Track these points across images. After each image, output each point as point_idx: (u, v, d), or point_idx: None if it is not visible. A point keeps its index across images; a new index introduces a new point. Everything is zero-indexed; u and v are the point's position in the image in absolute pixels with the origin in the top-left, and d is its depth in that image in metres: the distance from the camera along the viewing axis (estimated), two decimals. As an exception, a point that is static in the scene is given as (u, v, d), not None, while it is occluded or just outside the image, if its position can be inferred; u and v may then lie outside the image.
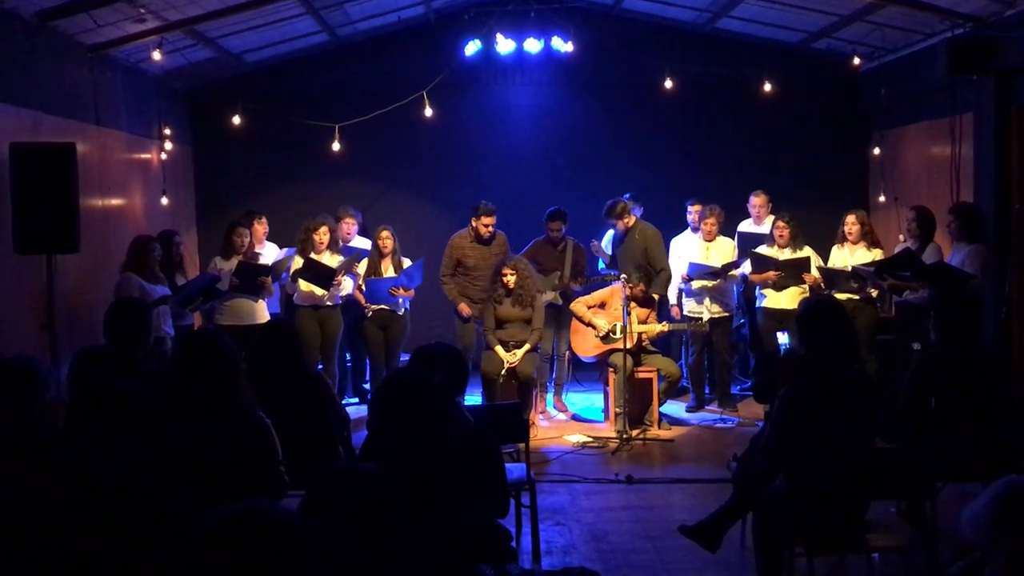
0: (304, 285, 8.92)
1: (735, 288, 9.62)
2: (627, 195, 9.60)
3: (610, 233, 9.72)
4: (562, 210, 9.34)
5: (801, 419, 4.75)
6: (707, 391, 9.71)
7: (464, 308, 9.15)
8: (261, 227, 9.33)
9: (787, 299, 8.97)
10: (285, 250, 9.32)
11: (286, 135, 11.02)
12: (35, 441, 3.76)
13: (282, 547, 2.03)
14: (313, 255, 8.96)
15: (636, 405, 8.77)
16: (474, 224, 9.17)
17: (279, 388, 5.44)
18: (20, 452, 3.65)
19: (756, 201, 9.91)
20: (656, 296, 9.11)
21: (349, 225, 9.71)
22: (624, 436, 8.28)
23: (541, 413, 9.25)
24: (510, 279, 8.62)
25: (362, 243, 9.77)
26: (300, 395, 5.60)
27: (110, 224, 8.64)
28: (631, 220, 9.25)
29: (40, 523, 3.06)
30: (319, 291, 8.90)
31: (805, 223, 9.59)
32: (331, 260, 9.00)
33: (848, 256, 8.97)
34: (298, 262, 8.94)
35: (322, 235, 9.00)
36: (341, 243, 9.47)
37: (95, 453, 3.35)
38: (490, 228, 9.14)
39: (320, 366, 8.86)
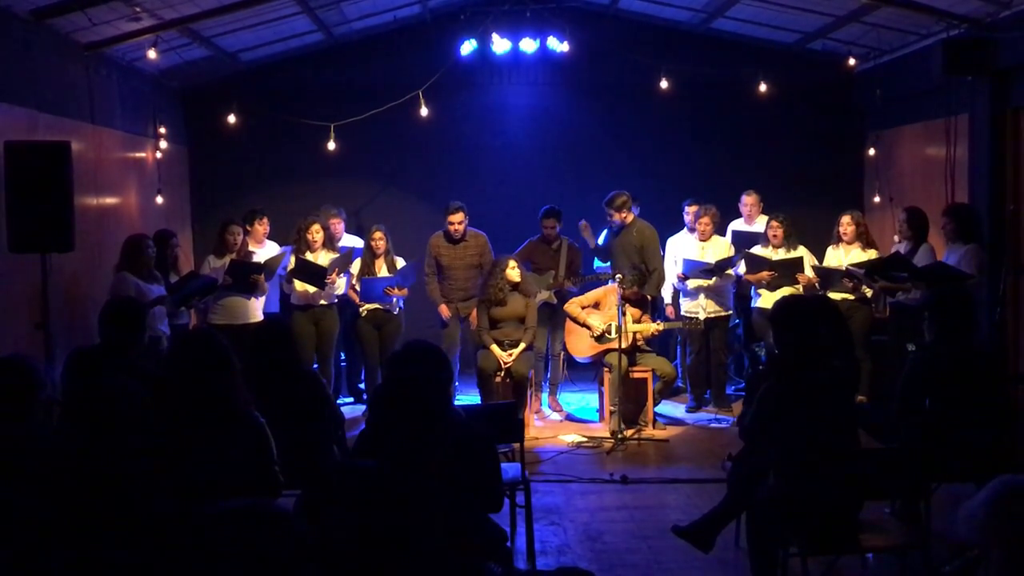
0: (299, 285, 8.92)
1: (730, 288, 9.62)
2: (622, 194, 9.60)
3: (605, 232, 9.72)
4: (556, 208, 9.36)
5: (781, 413, 4.77)
6: (706, 393, 9.71)
7: (444, 310, 9.20)
8: (262, 227, 9.30)
9: (781, 299, 8.98)
10: (282, 248, 9.30)
11: (281, 134, 11.01)
12: (30, 440, 3.76)
13: (279, 544, 2.03)
14: (308, 254, 8.96)
15: (631, 405, 8.77)
16: (445, 224, 9.20)
17: (274, 387, 5.43)
18: (15, 451, 3.65)
19: (748, 200, 9.94)
20: (650, 297, 9.11)
21: (335, 224, 9.72)
22: (619, 436, 8.28)
23: (536, 413, 9.25)
24: (514, 273, 8.64)
25: (352, 241, 9.77)
26: (295, 394, 5.59)
27: (105, 223, 8.63)
28: (630, 216, 9.24)
29: (35, 521, 3.05)
30: (313, 290, 8.91)
31: (800, 223, 9.62)
32: (326, 258, 9.01)
33: (843, 257, 8.99)
34: (292, 261, 8.95)
35: (314, 233, 9.02)
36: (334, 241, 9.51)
37: (90, 452, 3.34)
38: (457, 227, 9.15)
39: (316, 366, 8.86)
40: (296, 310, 9.02)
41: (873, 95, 10.42)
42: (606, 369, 8.83)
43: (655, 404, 8.93)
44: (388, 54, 11.15)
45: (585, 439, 8.54)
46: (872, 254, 8.86)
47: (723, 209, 9.82)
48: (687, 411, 9.53)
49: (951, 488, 5.79)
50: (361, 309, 9.16)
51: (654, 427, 8.80)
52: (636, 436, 8.47)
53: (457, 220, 9.12)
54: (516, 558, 5.60)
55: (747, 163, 11.21)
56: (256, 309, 8.76)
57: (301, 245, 9.02)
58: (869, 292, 8.84)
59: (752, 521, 5.07)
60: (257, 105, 10.82)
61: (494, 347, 8.62)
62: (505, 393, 8.52)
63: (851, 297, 8.77)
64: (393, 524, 2.81)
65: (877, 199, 10.90)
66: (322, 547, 2.47)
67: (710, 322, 9.34)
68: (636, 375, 8.82)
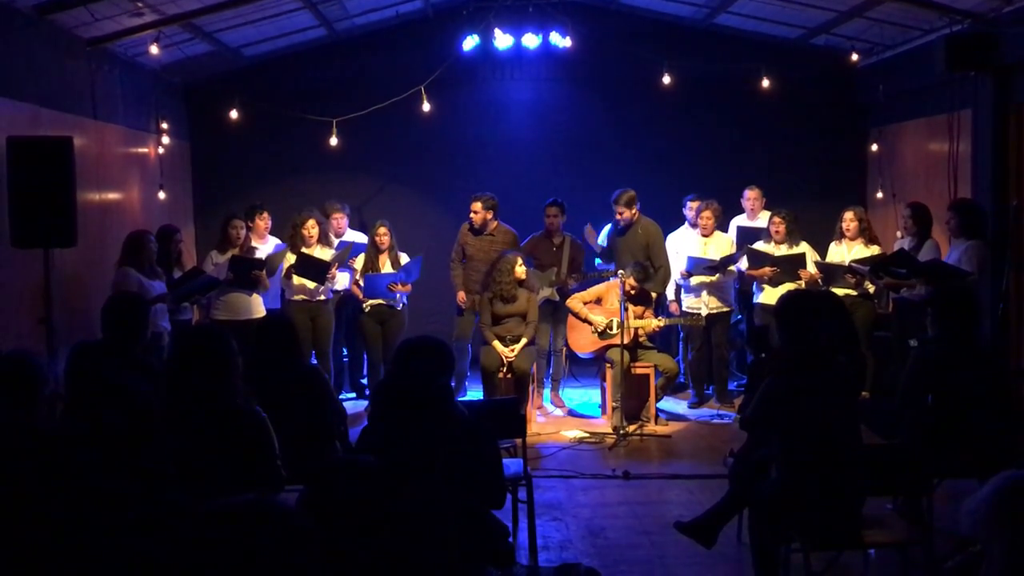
0: (297, 279, 8.92)
1: (732, 284, 9.63)
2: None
3: (607, 228, 9.72)
4: (559, 200, 9.40)
5: (784, 408, 4.77)
6: (708, 389, 9.71)
7: (461, 296, 9.25)
8: (263, 222, 9.28)
9: (784, 295, 8.96)
10: (278, 244, 9.29)
11: (284, 130, 11.01)
12: (32, 435, 3.76)
13: (281, 540, 2.03)
14: (304, 250, 8.96)
15: (633, 401, 8.77)
16: None
17: (276, 383, 5.44)
18: (17, 446, 3.65)
19: (750, 195, 9.93)
20: (655, 295, 9.11)
21: (339, 220, 9.70)
22: (621, 432, 8.28)
23: (538, 408, 9.25)
24: (522, 271, 8.68)
25: (356, 236, 9.77)
26: (297, 389, 5.59)
27: (107, 218, 8.64)
28: (636, 214, 9.24)
29: (38, 516, 3.06)
30: (311, 285, 8.91)
31: (803, 219, 9.61)
32: (322, 253, 9.02)
33: (846, 252, 8.99)
34: (290, 258, 8.94)
35: (310, 228, 9.02)
36: (333, 237, 9.50)
37: (92, 447, 3.34)
38: (477, 216, 9.22)
39: (314, 360, 8.87)
40: (293, 305, 9.02)
41: (876, 91, 10.42)
42: (608, 365, 8.82)
43: (657, 400, 8.93)
44: (390, 49, 11.14)
45: (587, 435, 8.53)
46: (875, 250, 8.85)
47: (725, 204, 9.82)
48: (689, 407, 9.53)
49: (953, 484, 5.79)
50: (364, 304, 9.16)
51: (656, 423, 8.79)
52: (638, 432, 8.47)
53: (476, 209, 9.23)
54: (518, 554, 5.61)
55: (750, 159, 11.21)
56: (258, 305, 8.75)
57: (296, 241, 9.02)
58: (872, 288, 8.84)
59: (754, 516, 5.07)
60: (259, 100, 10.81)
61: (496, 343, 8.63)
62: (507, 389, 8.52)
63: (853, 293, 8.77)
64: (395, 520, 2.81)
65: (880, 195, 10.89)
66: (324, 543, 2.47)
67: (712, 318, 9.33)
68: (638, 371, 8.82)
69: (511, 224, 9.61)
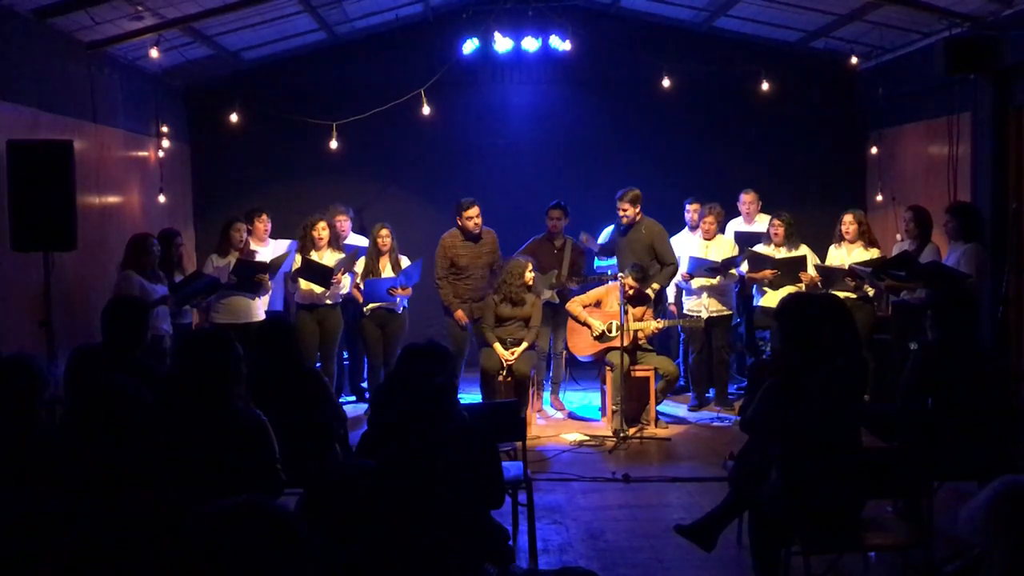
0: (304, 284, 8.92)
1: (733, 287, 9.62)
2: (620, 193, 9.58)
3: (608, 229, 9.72)
4: (563, 203, 9.39)
5: (784, 410, 4.77)
6: (708, 392, 9.70)
7: (461, 315, 9.12)
8: (262, 225, 9.28)
9: (784, 298, 8.96)
10: (289, 243, 9.28)
11: (284, 133, 11.02)
12: (33, 438, 3.76)
13: (277, 542, 2.03)
14: (314, 252, 8.96)
15: (633, 404, 8.77)
16: (460, 222, 9.17)
17: (276, 385, 5.44)
18: (18, 449, 3.66)
19: (746, 198, 9.94)
20: (656, 287, 9.06)
21: (341, 222, 9.71)
22: (621, 435, 8.28)
23: (538, 411, 9.25)
24: (530, 276, 8.70)
25: (358, 240, 9.77)
26: (297, 393, 5.59)
27: (108, 222, 8.64)
28: (639, 214, 9.23)
29: (38, 520, 3.06)
30: (318, 289, 8.91)
31: (802, 222, 9.62)
32: (332, 257, 9.01)
33: (846, 255, 8.99)
34: (298, 261, 8.95)
35: (320, 231, 9.01)
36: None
37: (92, 451, 3.35)
38: (477, 222, 9.12)
39: (319, 364, 8.87)
40: (301, 309, 9.02)
41: (875, 93, 10.43)
42: (608, 368, 8.82)
43: (657, 403, 8.92)
44: (390, 53, 11.15)
45: (587, 438, 8.53)
46: (874, 253, 8.86)
47: (725, 208, 9.83)
48: (689, 410, 9.53)
49: (954, 486, 5.79)
50: (364, 308, 9.15)
51: (656, 426, 8.79)
52: (638, 435, 8.47)
53: (476, 215, 9.09)
54: (518, 557, 5.61)
55: (749, 162, 11.21)
56: (259, 308, 8.75)
57: (307, 243, 9.02)
58: (871, 291, 8.85)
59: (754, 519, 5.07)
60: (259, 104, 10.83)
61: (496, 345, 8.63)
62: (507, 392, 8.52)
63: (853, 296, 8.76)
64: (394, 522, 2.81)
65: (879, 198, 10.89)
66: (323, 546, 2.47)
67: (712, 320, 9.33)
68: (638, 374, 8.82)
69: (511, 227, 9.61)
